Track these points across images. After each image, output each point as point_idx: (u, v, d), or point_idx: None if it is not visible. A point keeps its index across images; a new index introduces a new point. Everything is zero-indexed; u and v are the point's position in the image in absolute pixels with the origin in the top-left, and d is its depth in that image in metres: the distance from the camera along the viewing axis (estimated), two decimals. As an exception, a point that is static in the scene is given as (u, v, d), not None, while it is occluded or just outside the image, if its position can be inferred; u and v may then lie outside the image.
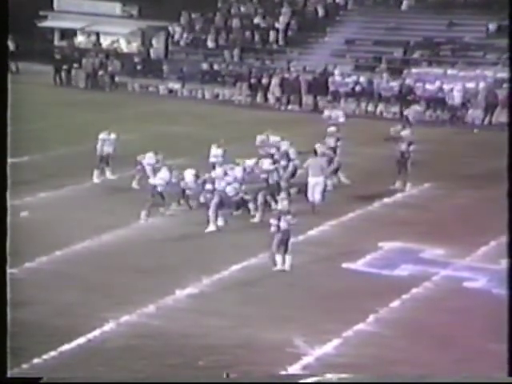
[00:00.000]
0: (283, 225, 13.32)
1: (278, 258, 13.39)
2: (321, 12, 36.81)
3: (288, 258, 13.39)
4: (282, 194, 14.44)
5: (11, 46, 32.74)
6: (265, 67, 33.61)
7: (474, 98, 28.31)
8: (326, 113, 24.12)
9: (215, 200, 15.45)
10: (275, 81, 31.36)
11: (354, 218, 16.74)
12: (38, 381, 8.61)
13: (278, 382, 9.73)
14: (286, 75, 31.56)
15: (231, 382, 9.61)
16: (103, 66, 35.01)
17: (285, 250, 13.37)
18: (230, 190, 15.67)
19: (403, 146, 18.58)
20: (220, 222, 15.41)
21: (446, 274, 13.62)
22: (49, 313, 11.30)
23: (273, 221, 13.42)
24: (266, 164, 16.75)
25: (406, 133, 19.25)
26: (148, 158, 17.45)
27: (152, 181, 16.26)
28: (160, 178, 16.08)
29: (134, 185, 18.06)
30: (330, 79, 31.19)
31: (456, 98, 28.72)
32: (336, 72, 31.58)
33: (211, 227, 15.31)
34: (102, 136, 18.78)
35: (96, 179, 18.56)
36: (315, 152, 17.32)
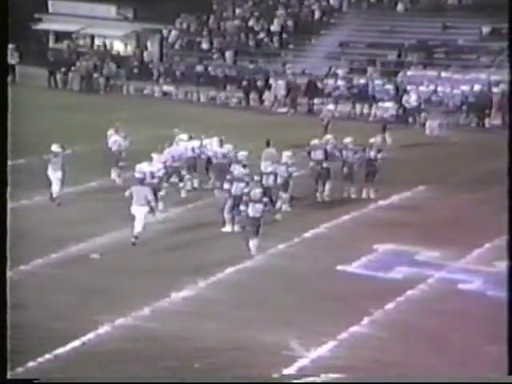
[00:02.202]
0: (252, 213, 14.03)
1: (252, 243, 14.08)
2: (315, 15, 36.90)
3: (255, 242, 14.05)
4: (252, 184, 15.06)
5: (16, 56, 33.12)
6: (259, 70, 33.64)
7: (432, 106, 27.91)
8: (324, 109, 26.66)
9: (230, 201, 15.45)
10: (280, 84, 31.40)
11: (348, 220, 16.77)
12: (35, 382, 8.62)
13: (275, 382, 9.76)
14: (291, 78, 31.60)
15: (227, 383, 9.63)
16: (98, 68, 34.99)
17: (254, 234, 14.06)
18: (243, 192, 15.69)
19: (372, 153, 18.30)
20: (236, 228, 15.38)
21: (441, 276, 13.65)
22: (44, 316, 11.28)
23: (242, 207, 14.28)
24: (263, 167, 16.83)
25: (376, 139, 19.13)
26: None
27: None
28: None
29: (118, 181, 18.49)
30: (325, 81, 31.27)
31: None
32: (330, 74, 31.70)
33: (227, 228, 15.39)
34: (110, 134, 19.10)
35: (117, 179, 18.76)
36: (267, 144, 18.26)
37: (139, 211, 14.56)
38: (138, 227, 14.50)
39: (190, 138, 18.83)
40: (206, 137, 18.99)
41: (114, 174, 18.94)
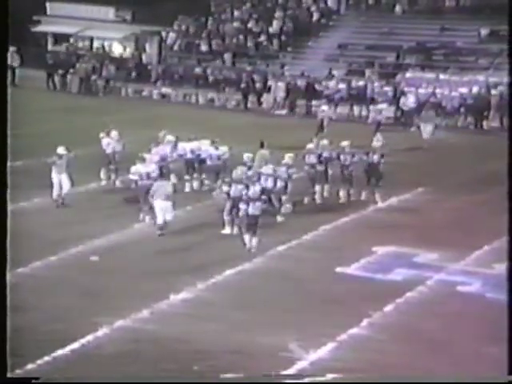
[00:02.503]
0: (251, 210, 14.40)
1: (247, 237, 14.42)
2: (314, 17, 36.92)
3: (254, 239, 14.42)
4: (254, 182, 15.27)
5: (17, 58, 33.23)
6: (258, 72, 33.67)
7: (429, 109, 27.50)
8: (319, 110, 26.95)
9: (229, 203, 15.45)
10: (279, 86, 31.43)
11: (348, 222, 16.77)
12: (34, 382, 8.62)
13: (273, 382, 9.76)
14: (291, 80, 31.62)
15: (226, 382, 9.63)
16: (96, 70, 35.01)
17: (253, 232, 14.42)
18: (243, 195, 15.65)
19: (375, 157, 18.10)
20: (235, 230, 15.37)
21: (440, 278, 13.65)
22: (42, 318, 11.27)
23: (242, 205, 14.57)
24: (257, 168, 16.83)
25: (378, 144, 19.02)
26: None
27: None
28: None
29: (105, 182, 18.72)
30: (324, 83, 31.30)
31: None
32: (329, 77, 31.74)
33: (226, 230, 15.43)
34: (102, 137, 19.18)
35: (105, 181, 18.92)
36: (261, 145, 18.42)
37: (162, 205, 15.20)
38: (168, 217, 15.22)
39: (177, 139, 18.96)
40: (196, 138, 19.09)
41: (103, 175, 19.01)
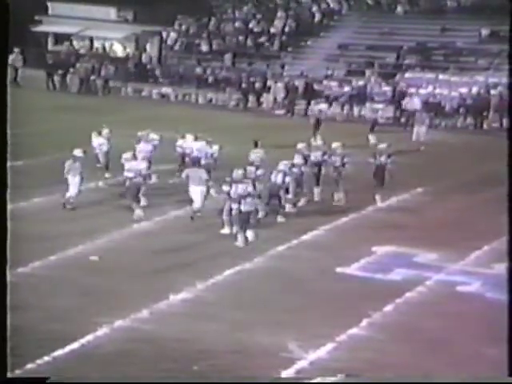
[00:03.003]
0: (244, 207, 14.70)
1: (240, 236, 14.73)
2: (315, 17, 36.93)
3: (249, 233, 14.82)
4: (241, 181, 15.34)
5: (19, 59, 33.35)
6: (258, 72, 33.68)
7: (419, 113, 27.08)
8: (314, 110, 26.98)
9: (228, 203, 15.41)
10: (279, 86, 31.44)
11: (347, 222, 16.79)
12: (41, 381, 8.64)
13: (273, 382, 9.77)
14: (290, 80, 31.62)
15: (226, 382, 9.64)
16: (96, 70, 35.02)
17: (247, 227, 14.71)
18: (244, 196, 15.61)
19: (382, 159, 18.00)
20: (234, 230, 15.33)
21: (440, 278, 13.66)
22: (42, 318, 11.27)
23: (233, 205, 14.82)
24: (280, 165, 16.81)
25: (383, 146, 18.97)
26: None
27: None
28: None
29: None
30: (324, 83, 31.32)
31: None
32: (329, 77, 31.76)
33: (226, 230, 15.42)
34: (94, 137, 19.31)
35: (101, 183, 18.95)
36: (255, 144, 18.80)
37: (196, 191, 16.05)
38: (197, 204, 16.06)
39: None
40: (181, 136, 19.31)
41: (99, 174, 19.09)
